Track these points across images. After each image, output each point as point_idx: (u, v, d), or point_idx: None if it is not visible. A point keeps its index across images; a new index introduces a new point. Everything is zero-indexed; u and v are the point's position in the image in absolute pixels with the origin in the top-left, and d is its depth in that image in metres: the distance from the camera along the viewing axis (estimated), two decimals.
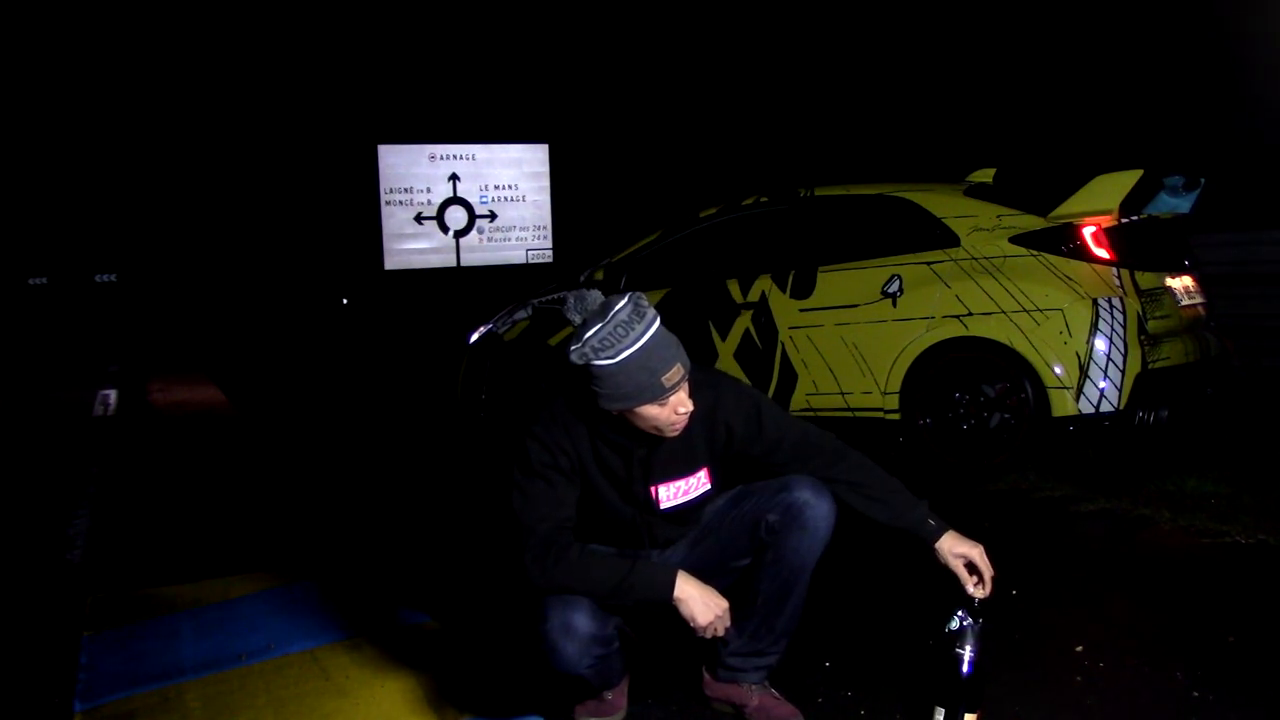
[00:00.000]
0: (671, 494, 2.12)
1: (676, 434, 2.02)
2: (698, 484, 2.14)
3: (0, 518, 4.56)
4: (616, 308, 1.92)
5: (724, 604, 1.96)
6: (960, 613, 1.99)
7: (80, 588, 3.34)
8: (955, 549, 2.07)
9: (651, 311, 1.94)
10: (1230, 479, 4.10)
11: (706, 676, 2.26)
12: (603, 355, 1.89)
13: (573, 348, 1.92)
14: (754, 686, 2.20)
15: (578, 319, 1.96)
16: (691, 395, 2.01)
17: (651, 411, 1.95)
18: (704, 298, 5.29)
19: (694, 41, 18.32)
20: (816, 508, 2.07)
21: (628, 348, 1.89)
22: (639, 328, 1.90)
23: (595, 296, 1.97)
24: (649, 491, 2.10)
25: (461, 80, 20.20)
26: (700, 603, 1.94)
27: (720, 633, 1.98)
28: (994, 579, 2.04)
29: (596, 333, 1.91)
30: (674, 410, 1.96)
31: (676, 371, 1.93)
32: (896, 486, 2.17)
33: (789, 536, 2.07)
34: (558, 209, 16.59)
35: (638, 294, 1.97)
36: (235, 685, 2.50)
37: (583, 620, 1.97)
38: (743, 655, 2.18)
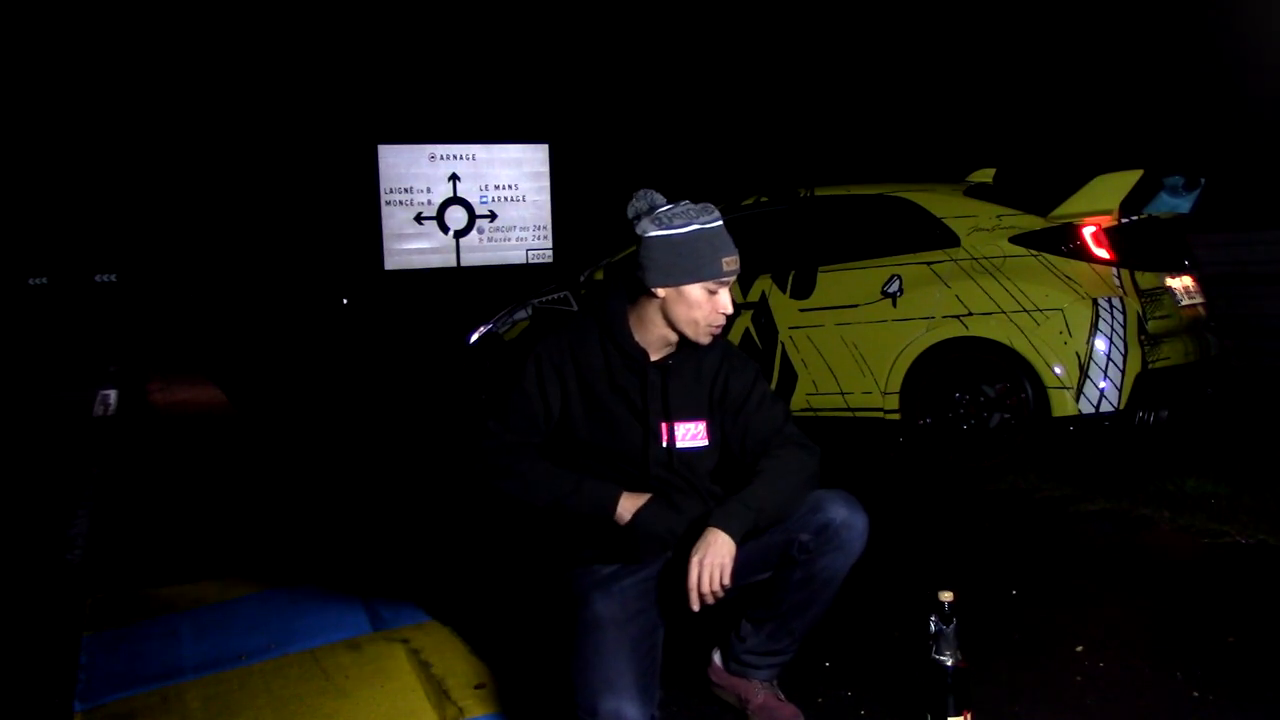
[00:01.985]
0: (683, 435, 2.10)
1: (708, 340, 2.05)
2: (700, 434, 2.12)
3: (0, 518, 4.56)
4: (685, 201, 2.03)
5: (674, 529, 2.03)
6: (933, 618, 1.98)
7: (80, 588, 3.34)
8: (695, 548, 1.91)
9: (717, 212, 2.05)
10: (1230, 479, 4.10)
11: (716, 664, 2.25)
12: (673, 225, 1.99)
13: (640, 221, 2.00)
14: (762, 684, 2.19)
15: (645, 205, 2.03)
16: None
17: (698, 298, 2.00)
18: None
19: (694, 42, 18.33)
20: (854, 527, 2.01)
21: (697, 223, 1.99)
22: (708, 215, 2.02)
23: (660, 196, 2.05)
24: (661, 425, 2.08)
25: (461, 80, 20.20)
26: (634, 513, 2.01)
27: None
28: (708, 594, 1.88)
29: (670, 209, 2.01)
30: (717, 308, 2.01)
31: (735, 260, 2.02)
32: (764, 486, 2.01)
33: (823, 556, 2.01)
34: (558, 209, 16.59)
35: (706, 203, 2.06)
36: (235, 685, 2.50)
37: (633, 712, 1.84)
38: (758, 653, 2.16)
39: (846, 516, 2.01)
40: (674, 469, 2.11)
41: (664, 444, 2.10)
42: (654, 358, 2.09)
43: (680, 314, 2.02)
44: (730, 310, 2.04)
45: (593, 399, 2.08)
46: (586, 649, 1.90)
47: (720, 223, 2.03)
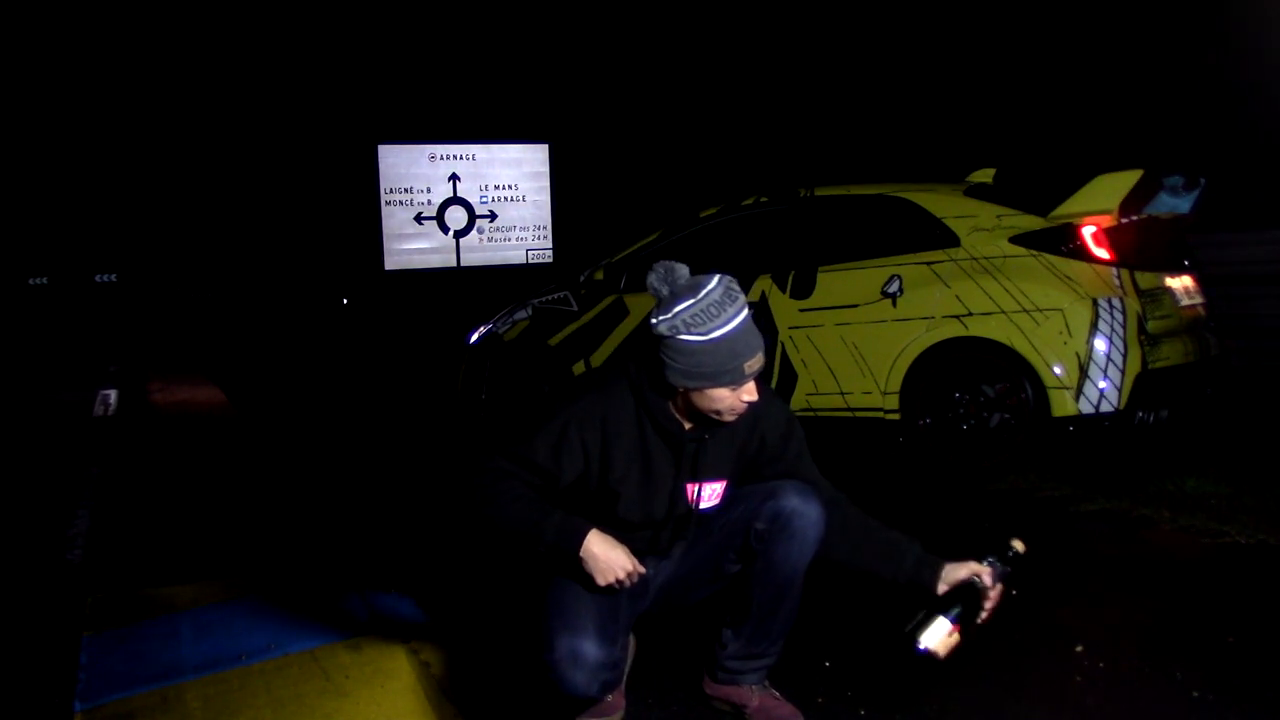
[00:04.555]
0: (707, 496, 2.11)
1: (733, 420, 2.00)
2: (717, 494, 2.13)
3: (0, 518, 4.56)
4: (709, 287, 1.92)
5: (627, 565, 1.94)
6: (991, 558, 2.03)
7: (80, 588, 3.34)
8: (956, 575, 2.06)
9: (742, 297, 1.95)
10: (1230, 479, 4.10)
11: (706, 678, 2.26)
12: (694, 330, 1.89)
13: (660, 318, 1.92)
14: (754, 687, 2.20)
15: (665, 290, 1.94)
16: None
17: (720, 394, 1.94)
18: None
19: (694, 42, 18.32)
20: (805, 515, 2.04)
21: (719, 327, 1.89)
22: (731, 310, 1.91)
23: (683, 271, 1.96)
24: (690, 489, 2.08)
25: (461, 80, 20.19)
26: (603, 562, 1.92)
27: (627, 585, 1.96)
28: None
29: (689, 307, 1.90)
30: (740, 398, 1.95)
31: (758, 360, 1.94)
32: (888, 537, 2.13)
33: (778, 545, 2.05)
34: (558, 209, 16.59)
35: (728, 276, 1.96)
36: (235, 685, 2.50)
37: (591, 648, 1.95)
38: (740, 659, 2.18)
39: (799, 505, 2.04)
40: (691, 528, 2.15)
41: (690, 506, 2.10)
42: (688, 427, 2.05)
43: (702, 404, 1.97)
44: (755, 398, 1.97)
45: (621, 470, 2.03)
46: (551, 606, 2.01)
47: (743, 315, 1.92)
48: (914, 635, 1.98)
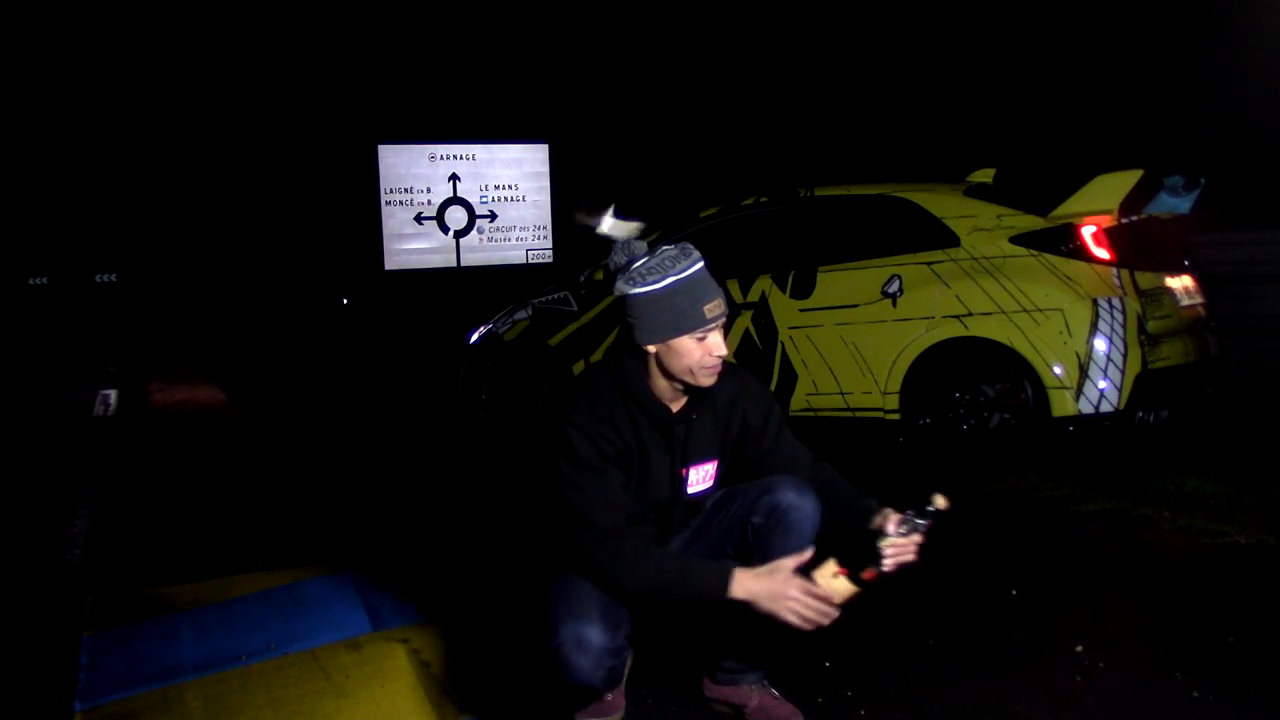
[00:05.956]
0: (699, 478, 2.13)
1: (710, 381, 2.02)
2: (709, 475, 2.15)
3: (0, 518, 4.56)
4: (664, 247, 2.03)
5: (798, 583, 1.87)
6: (910, 511, 1.98)
7: (80, 588, 3.34)
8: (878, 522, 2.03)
9: (697, 253, 2.02)
10: (1230, 479, 4.10)
11: (705, 679, 2.25)
12: (649, 280, 1.97)
13: (620, 279, 2.01)
14: (753, 687, 2.20)
15: (623, 259, 2.03)
16: (720, 380, 2.05)
17: (687, 347, 1.98)
18: None
19: (694, 42, 18.32)
20: (800, 509, 2.05)
21: (673, 275, 1.97)
22: (685, 263, 1.99)
23: (641, 245, 2.05)
24: (686, 473, 2.11)
25: (461, 80, 20.18)
26: (767, 597, 1.87)
27: (818, 608, 1.88)
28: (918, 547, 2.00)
29: (644, 264, 2.00)
30: (709, 352, 1.99)
31: (717, 305, 1.99)
32: (856, 500, 2.12)
33: (774, 539, 2.05)
34: (558, 209, 16.59)
35: (685, 243, 2.04)
36: (235, 685, 2.50)
37: (595, 633, 1.96)
38: (741, 658, 2.17)
39: (794, 499, 2.05)
40: (688, 514, 2.16)
41: (687, 491, 2.12)
42: (674, 409, 2.08)
43: (674, 364, 2.00)
44: (723, 351, 2.02)
45: (626, 463, 2.06)
46: (555, 593, 2.02)
47: (699, 266, 1.99)
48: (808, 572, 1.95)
